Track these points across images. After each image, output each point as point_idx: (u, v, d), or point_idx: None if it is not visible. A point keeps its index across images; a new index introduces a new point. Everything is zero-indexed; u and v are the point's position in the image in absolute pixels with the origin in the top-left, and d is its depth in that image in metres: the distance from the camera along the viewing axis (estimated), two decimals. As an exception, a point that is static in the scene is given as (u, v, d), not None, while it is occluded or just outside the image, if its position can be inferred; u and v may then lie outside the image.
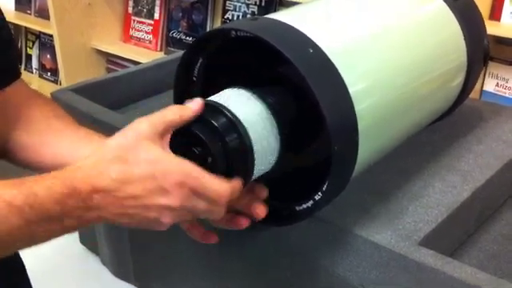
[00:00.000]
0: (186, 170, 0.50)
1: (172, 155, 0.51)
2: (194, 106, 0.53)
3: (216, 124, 0.52)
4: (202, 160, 0.51)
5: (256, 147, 0.53)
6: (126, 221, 0.50)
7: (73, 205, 0.47)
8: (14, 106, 0.65)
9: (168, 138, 0.53)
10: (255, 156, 0.53)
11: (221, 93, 0.56)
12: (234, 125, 0.52)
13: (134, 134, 0.51)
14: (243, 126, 0.52)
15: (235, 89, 0.56)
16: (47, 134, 0.65)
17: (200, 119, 0.52)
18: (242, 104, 0.54)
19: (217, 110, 0.53)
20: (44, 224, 0.47)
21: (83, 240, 1.08)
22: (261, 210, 0.58)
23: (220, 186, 0.51)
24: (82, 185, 0.48)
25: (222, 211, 0.53)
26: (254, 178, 0.55)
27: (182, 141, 0.52)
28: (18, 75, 0.66)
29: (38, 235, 0.48)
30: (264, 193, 0.59)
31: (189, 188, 0.50)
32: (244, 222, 0.58)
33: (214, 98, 0.55)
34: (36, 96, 0.67)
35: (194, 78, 0.63)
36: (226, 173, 0.52)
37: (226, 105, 0.53)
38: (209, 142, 0.51)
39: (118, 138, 0.51)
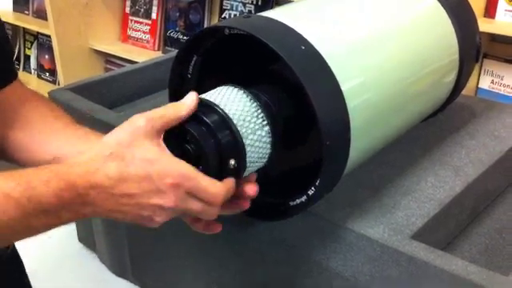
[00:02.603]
0: (182, 171, 0.50)
1: (168, 154, 0.51)
2: (189, 102, 0.53)
3: (208, 121, 0.53)
4: (195, 156, 0.52)
5: (247, 143, 0.54)
6: (120, 216, 0.51)
7: (69, 199, 0.48)
8: (11, 106, 0.65)
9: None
10: (247, 152, 0.54)
11: (214, 90, 0.57)
12: (225, 122, 0.53)
13: (130, 130, 0.51)
14: (234, 123, 0.53)
15: (228, 86, 0.57)
16: (45, 133, 0.65)
17: (193, 116, 0.53)
18: (234, 101, 0.55)
19: (209, 107, 0.54)
20: (41, 216, 0.48)
21: (81, 238, 1.08)
22: (245, 205, 0.58)
23: (215, 188, 0.52)
24: (80, 180, 0.49)
25: (215, 212, 0.54)
26: (247, 173, 0.56)
27: (175, 137, 0.53)
28: (14, 75, 0.66)
29: (35, 227, 0.49)
30: (252, 191, 0.58)
31: (184, 189, 0.50)
32: (217, 228, 0.59)
33: (208, 95, 0.56)
34: (34, 96, 0.67)
35: (189, 76, 0.63)
36: (219, 169, 0.53)
37: (218, 102, 0.54)
38: (201, 139, 0.52)
39: (115, 134, 0.52)
